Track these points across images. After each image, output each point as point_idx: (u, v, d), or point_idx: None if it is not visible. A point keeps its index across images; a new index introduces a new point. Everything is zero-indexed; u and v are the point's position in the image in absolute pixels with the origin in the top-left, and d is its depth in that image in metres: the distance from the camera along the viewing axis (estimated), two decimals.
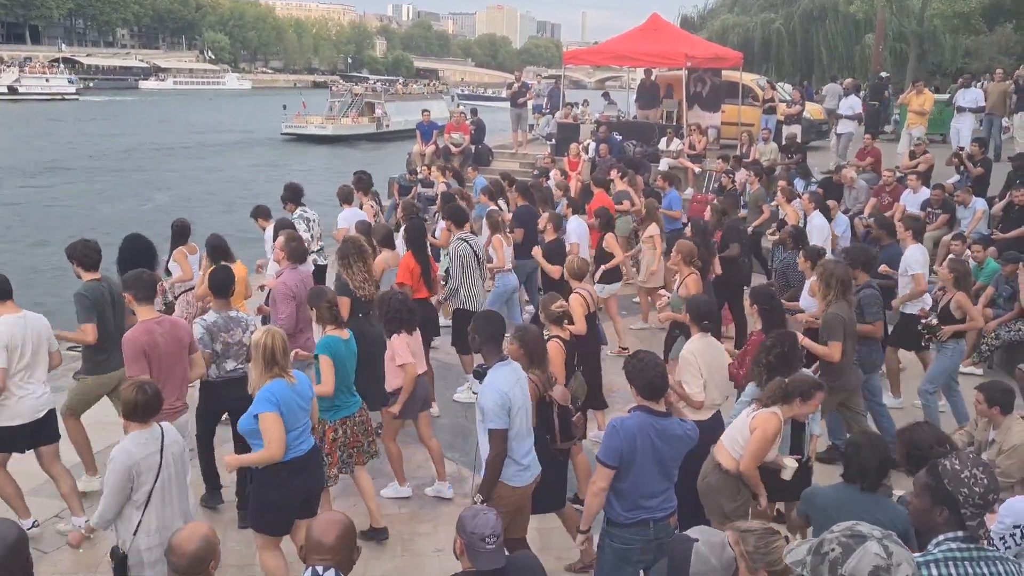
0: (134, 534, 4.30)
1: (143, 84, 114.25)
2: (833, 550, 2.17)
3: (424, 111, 21.36)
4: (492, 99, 69.86)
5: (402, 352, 6.25)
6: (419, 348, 6.59)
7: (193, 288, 8.29)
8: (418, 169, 16.50)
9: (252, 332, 6.08)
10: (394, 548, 6.05)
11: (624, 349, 9.67)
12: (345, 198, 10.63)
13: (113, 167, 39.77)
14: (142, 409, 4.34)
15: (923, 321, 7.83)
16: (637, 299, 11.28)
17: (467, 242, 8.51)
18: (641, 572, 4.52)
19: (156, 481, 4.32)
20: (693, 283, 7.66)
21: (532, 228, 10.14)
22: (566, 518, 5.67)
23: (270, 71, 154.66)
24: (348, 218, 10.18)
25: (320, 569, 3.25)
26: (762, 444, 4.90)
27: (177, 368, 5.64)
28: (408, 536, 6.15)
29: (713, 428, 5.55)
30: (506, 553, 3.59)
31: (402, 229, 9.17)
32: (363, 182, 11.75)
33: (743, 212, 12.52)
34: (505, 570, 3.51)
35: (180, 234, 8.42)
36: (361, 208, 10.98)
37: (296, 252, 7.17)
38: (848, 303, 6.69)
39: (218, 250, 7.66)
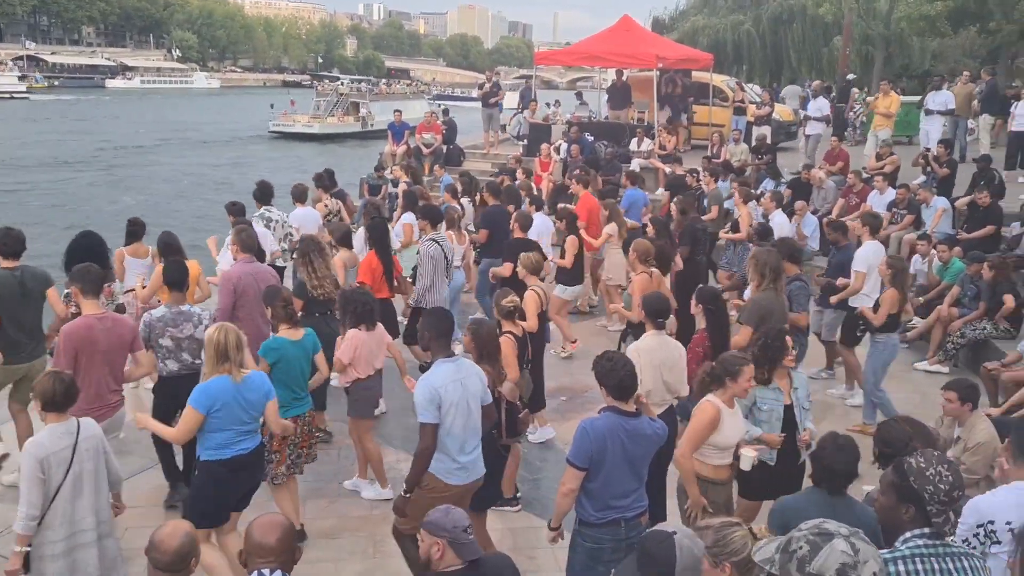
0: (38, 526, 4.30)
1: (110, 83, 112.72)
2: (801, 548, 2.19)
3: (396, 111, 21.32)
4: (464, 99, 70.19)
5: (345, 349, 6.31)
6: (378, 346, 6.56)
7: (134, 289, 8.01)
8: (389, 169, 16.46)
9: (204, 327, 6.03)
10: (366, 550, 6.02)
11: (564, 350, 9.75)
12: (298, 197, 10.57)
13: (97, 164, 39.77)
14: (61, 398, 4.34)
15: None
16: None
17: (437, 242, 8.49)
18: (612, 571, 4.53)
19: (66, 476, 4.32)
20: (639, 283, 7.65)
21: (502, 227, 10.10)
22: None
23: (239, 70, 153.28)
24: (298, 217, 10.19)
25: (267, 571, 3.22)
26: (697, 431, 4.89)
27: (116, 365, 5.61)
28: (380, 538, 6.10)
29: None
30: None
31: (362, 228, 9.16)
32: (322, 180, 11.73)
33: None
34: (482, 566, 3.52)
35: (133, 233, 8.28)
36: (315, 207, 10.97)
37: (246, 242, 7.08)
38: (777, 291, 6.83)
39: (170, 248, 7.53)
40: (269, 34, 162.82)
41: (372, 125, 50.59)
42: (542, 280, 7.69)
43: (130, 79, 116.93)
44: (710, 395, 5.01)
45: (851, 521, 3.18)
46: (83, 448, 4.40)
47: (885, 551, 2.86)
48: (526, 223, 9.16)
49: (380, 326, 6.61)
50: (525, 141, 19.27)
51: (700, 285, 7.37)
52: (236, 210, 9.25)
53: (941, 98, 16.60)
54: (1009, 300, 9.17)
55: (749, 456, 5.07)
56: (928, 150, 14.82)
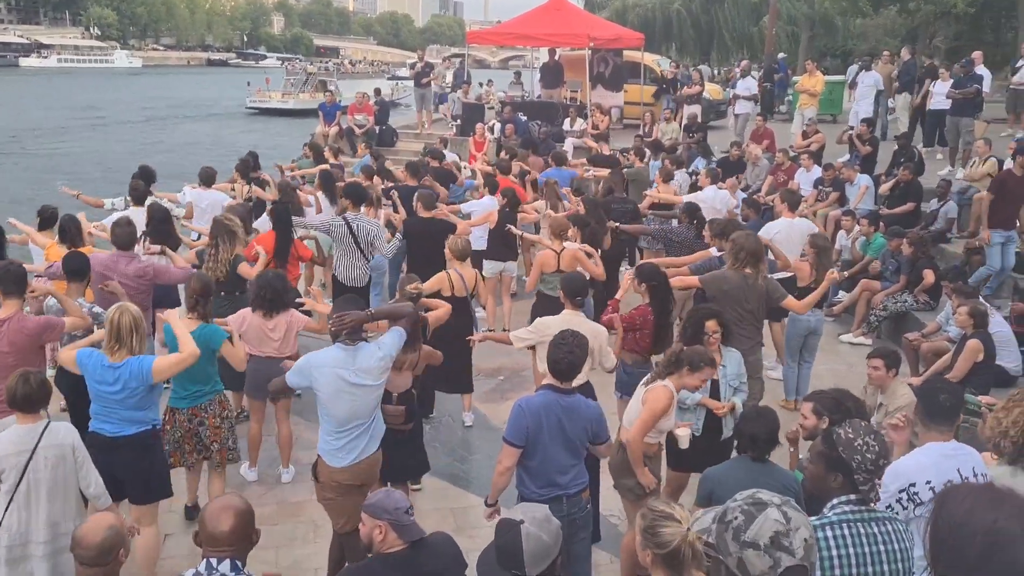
0: None
1: (24, 61, 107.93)
2: (736, 518, 2.26)
3: (328, 92, 21.01)
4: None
5: (233, 318, 6.34)
6: (271, 333, 6.46)
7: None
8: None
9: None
10: (306, 535, 6.01)
11: (491, 330, 9.77)
12: (205, 180, 10.36)
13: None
14: (20, 399, 4.21)
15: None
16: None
17: (345, 221, 8.39)
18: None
19: (19, 483, 4.16)
20: (540, 257, 7.97)
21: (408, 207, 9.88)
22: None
23: (161, 48, 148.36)
24: (194, 195, 10.12)
25: (215, 561, 3.12)
26: (653, 415, 4.93)
27: (24, 362, 5.08)
28: (320, 523, 6.09)
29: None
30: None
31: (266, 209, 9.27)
32: (244, 164, 11.55)
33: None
34: (424, 546, 3.55)
35: (46, 221, 8.02)
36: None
37: (118, 237, 6.87)
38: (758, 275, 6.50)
39: (66, 233, 7.31)
40: (192, 11, 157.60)
41: (340, 101, 51.11)
42: None
43: (46, 57, 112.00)
44: (666, 380, 5.02)
45: (773, 485, 3.32)
46: (42, 456, 4.20)
47: (814, 518, 2.98)
48: (428, 202, 9.09)
49: (285, 318, 6.47)
50: (459, 121, 19.20)
51: (640, 264, 7.44)
52: (136, 196, 8.94)
53: (871, 78, 16.94)
54: (929, 275, 9.52)
55: (684, 434, 5.22)
56: (851, 128, 15.20)
